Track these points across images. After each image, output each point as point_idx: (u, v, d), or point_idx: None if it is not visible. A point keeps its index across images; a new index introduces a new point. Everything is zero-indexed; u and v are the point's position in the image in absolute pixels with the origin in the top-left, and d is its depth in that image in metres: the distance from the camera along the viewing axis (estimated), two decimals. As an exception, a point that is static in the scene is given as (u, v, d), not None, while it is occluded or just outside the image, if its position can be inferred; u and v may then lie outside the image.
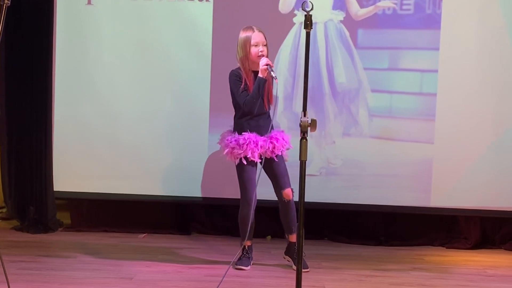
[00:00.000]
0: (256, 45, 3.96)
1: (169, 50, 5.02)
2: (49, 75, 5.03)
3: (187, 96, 5.02)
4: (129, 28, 5.02)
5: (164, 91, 5.03)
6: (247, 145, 3.99)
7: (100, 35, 5.03)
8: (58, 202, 5.19)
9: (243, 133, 4.04)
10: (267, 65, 3.88)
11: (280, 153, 4.06)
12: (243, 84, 4.00)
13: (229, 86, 4.05)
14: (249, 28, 4.01)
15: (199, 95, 5.00)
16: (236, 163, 4.08)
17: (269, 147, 4.00)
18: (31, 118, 5.07)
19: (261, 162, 4.01)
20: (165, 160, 5.03)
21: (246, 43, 3.98)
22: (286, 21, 4.91)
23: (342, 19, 4.95)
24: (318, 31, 4.93)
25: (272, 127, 4.09)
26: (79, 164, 5.06)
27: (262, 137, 4.02)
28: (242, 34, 4.01)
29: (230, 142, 4.05)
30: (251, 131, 4.00)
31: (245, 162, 4.02)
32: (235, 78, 4.02)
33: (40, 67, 5.04)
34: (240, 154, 4.02)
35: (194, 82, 5.01)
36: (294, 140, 3.76)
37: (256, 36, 3.97)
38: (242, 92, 3.99)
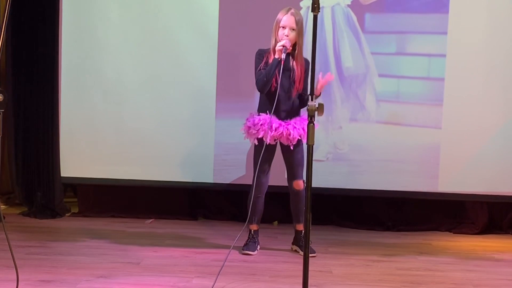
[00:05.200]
0: (283, 28, 3.95)
1: (176, 36, 5.00)
2: (55, 61, 5.03)
3: (194, 81, 5.01)
4: (135, 14, 5.00)
5: (171, 77, 5.01)
6: (260, 125, 3.99)
7: (107, 21, 5.01)
8: (65, 188, 5.22)
9: (261, 114, 4.04)
10: (283, 46, 3.87)
11: (296, 142, 4.01)
12: (263, 63, 3.99)
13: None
14: (285, 10, 4.00)
15: (206, 80, 4.98)
16: (251, 143, 4.10)
17: (283, 133, 3.99)
18: (38, 104, 5.08)
19: (274, 146, 4.02)
20: (171, 145, 5.03)
21: (277, 24, 3.99)
22: (293, 5, 4.85)
23: (349, 3, 4.91)
24: (325, 15, 4.90)
25: (298, 115, 4.06)
26: (86, 150, 5.07)
27: (279, 121, 4.00)
28: (277, 16, 4.01)
29: (248, 121, 4.06)
30: (270, 113, 3.96)
31: (256, 143, 4.03)
32: (257, 56, 4.04)
33: (46, 53, 5.03)
34: (254, 134, 4.02)
35: (201, 67, 4.99)
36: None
37: (286, 19, 3.95)
38: (259, 70, 4.00)
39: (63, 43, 5.02)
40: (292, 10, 3.99)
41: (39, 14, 5.01)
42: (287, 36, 3.93)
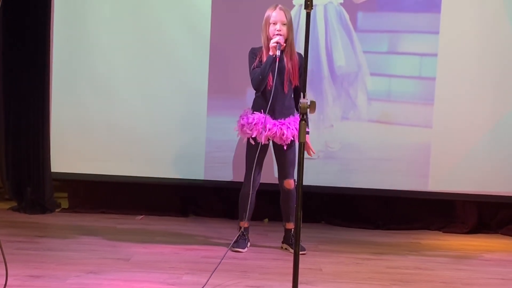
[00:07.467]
0: (274, 24, 3.95)
1: (168, 33, 4.99)
2: (46, 56, 5.01)
3: (186, 78, 5.00)
4: (127, 10, 5.00)
5: (162, 73, 5.01)
6: (254, 125, 3.98)
7: (99, 17, 5.00)
8: (55, 184, 5.20)
9: (255, 112, 4.03)
10: (277, 43, 3.87)
11: (289, 142, 4.01)
12: (256, 61, 3.99)
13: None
14: (272, 6, 4.00)
15: (198, 78, 4.98)
16: (245, 141, 4.10)
17: (276, 133, 3.99)
18: (29, 99, 5.05)
19: (267, 144, 4.03)
20: (163, 142, 5.02)
21: (266, 21, 3.98)
22: (286, 3, 4.87)
23: (342, 1, 4.92)
24: (317, 13, 4.90)
25: (293, 114, 4.04)
26: (76, 146, 5.05)
27: (272, 121, 4.00)
28: (266, 13, 4.00)
29: (242, 119, 4.05)
30: (265, 112, 3.95)
31: (252, 142, 4.02)
32: (250, 55, 4.03)
33: (37, 48, 5.01)
34: (248, 133, 4.02)
35: (193, 64, 4.99)
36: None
37: (276, 15, 3.95)
38: (253, 69, 3.99)
39: (55, 39, 5.00)
40: (280, 5, 4.00)
41: (31, 10, 4.98)
42: (280, 31, 3.93)
